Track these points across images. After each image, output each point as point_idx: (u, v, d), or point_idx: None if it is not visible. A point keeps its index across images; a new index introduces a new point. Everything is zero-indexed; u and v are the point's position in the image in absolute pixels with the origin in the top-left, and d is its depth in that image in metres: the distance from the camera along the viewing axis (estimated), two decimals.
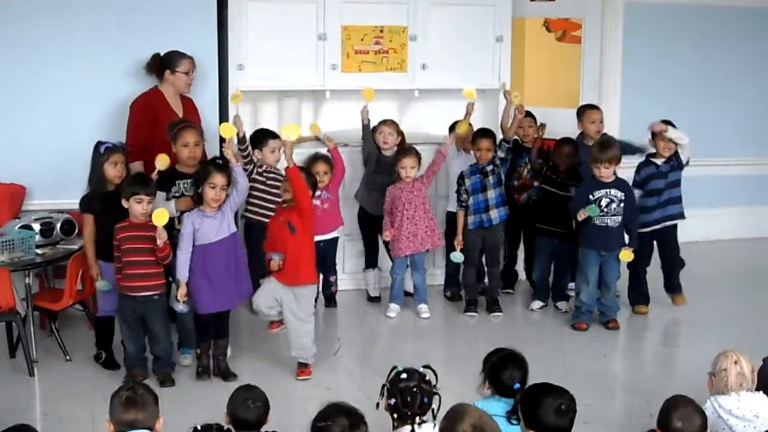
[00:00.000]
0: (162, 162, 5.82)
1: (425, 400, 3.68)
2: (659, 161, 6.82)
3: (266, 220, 6.17)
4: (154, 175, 5.75)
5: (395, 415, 3.69)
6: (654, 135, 6.79)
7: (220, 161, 5.74)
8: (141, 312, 5.49)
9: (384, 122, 7.06)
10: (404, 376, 3.73)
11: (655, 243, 6.97)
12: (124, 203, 5.42)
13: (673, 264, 7.04)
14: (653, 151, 6.88)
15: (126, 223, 5.44)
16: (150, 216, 5.32)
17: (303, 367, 5.69)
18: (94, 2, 6.62)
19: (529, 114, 7.10)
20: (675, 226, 6.94)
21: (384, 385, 3.75)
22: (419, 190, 6.72)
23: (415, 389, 3.67)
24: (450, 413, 3.43)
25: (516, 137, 7.11)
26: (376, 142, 7.00)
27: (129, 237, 5.41)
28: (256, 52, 7.08)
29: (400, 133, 7.07)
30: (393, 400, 3.68)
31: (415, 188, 6.71)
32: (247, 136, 6.61)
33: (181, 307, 5.47)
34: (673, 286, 7.08)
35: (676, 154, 6.78)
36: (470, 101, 6.76)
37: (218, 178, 5.47)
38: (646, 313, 6.91)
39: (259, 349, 5.90)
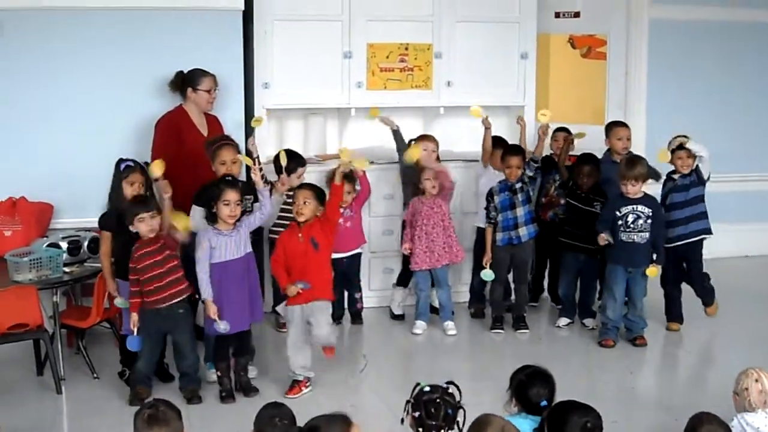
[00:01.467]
0: (157, 168, 5.74)
1: (449, 411, 3.67)
2: (676, 176, 6.78)
3: None
4: (162, 181, 5.76)
5: (420, 430, 3.68)
6: (672, 152, 6.73)
7: (230, 178, 5.75)
8: (166, 327, 5.50)
9: (428, 138, 7.05)
10: (427, 389, 3.73)
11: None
12: (131, 229, 5.40)
13: (697, 280, 6.96)
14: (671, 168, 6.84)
15: (138, 244, 5.43)
16: (158, 228, 5.42)
17: (330, 349, 5.85)
18: (121, 20, 6.67)
19: (563, 129, 7.11)
20: (700, 242, 6.88)
21: (408, 401, 3.74)
22: (440, 206, 6.71)
23: (438, 401, 3.67)
24: (474, 423, 3.47)
25: (549, 152, 7.13)
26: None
27: (144, 254, 5.40)
28: (281, 70, 7.13)
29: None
30: (417, 414, 3.68)
31: (435, 204, 6.70)
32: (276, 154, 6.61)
33: (222, 327, 5.44)
34: (702, 296, 7.01)
35: (696, 169, 6.76)
36: (478, 119, 6.84)
37: (231, 195, 5.47)
38: (678, 330, 6.85)
39: (285, 367, 5.88)
